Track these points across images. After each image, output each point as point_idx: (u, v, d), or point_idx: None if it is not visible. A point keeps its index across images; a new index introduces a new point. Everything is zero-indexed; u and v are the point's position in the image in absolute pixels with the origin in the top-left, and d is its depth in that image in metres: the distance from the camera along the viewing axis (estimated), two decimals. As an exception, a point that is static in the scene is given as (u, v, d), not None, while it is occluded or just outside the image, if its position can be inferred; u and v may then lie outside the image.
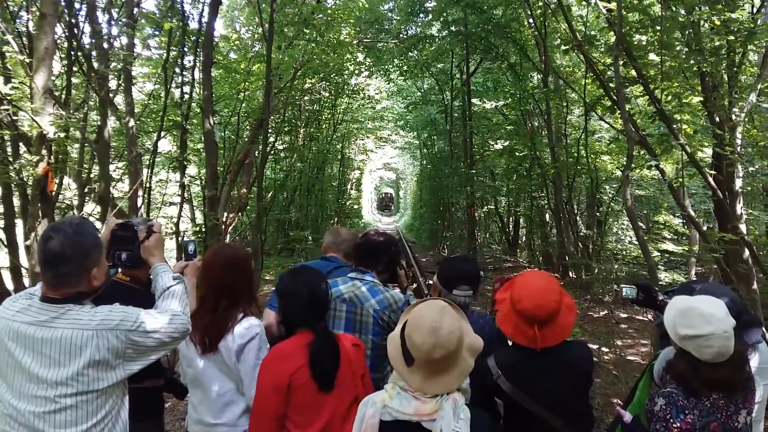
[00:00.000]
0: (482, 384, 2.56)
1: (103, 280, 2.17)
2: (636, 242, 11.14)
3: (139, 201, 8.04)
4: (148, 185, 9.24)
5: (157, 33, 9.89)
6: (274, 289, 2.76)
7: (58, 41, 7.37)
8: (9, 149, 7.12)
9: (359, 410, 2.09)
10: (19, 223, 7.45)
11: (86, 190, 7.83)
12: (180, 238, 10.40)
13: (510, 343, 2.63)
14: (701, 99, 7.71)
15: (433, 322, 1.96)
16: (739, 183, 7.82)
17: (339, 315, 2.90)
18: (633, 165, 8.21)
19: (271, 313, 3.40)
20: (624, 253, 15.09)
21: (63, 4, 6.80)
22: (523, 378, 2.48)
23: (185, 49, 9.57)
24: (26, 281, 6.76)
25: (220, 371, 2.68)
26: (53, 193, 6.16)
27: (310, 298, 2.51)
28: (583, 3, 9.43)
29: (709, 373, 2.13)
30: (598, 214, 15.15)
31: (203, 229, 9.37)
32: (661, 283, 9.13)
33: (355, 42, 16.29)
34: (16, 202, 7.52)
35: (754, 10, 7.86)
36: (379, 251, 3.07)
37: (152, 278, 2.42)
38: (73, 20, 7.26)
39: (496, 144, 17.19)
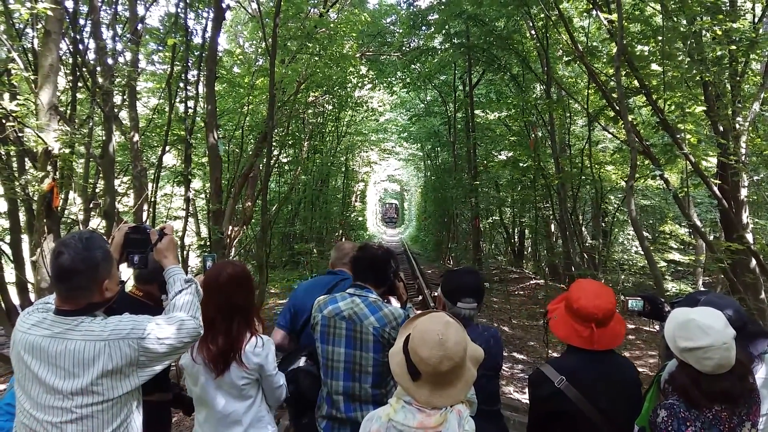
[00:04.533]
0: (539, 396, 2.54)
1: (116, 290, 2.21)
2: (642, 252, 11.10)
3: (144, 215, 8.07)
4: (153, 199, 9.27)
5: (161, 48, 9.97)
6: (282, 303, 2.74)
7: (63, 57, 7.42)
8: (15, 165, 7.14)
9: (363, 426, 2.08)
10: (25, 239, 7.46)
11: (92, 205, 7.84)
12: (186, 252, 10.41)
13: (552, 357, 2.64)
14: (704, 108, 7.71)
15: (439, 335, 1.94)
16: (744, 192, 7.80)
17: (339, 333, 2.87)
18: (637, 175, 8.21)
19: (279, 331, 3.42)
20: (630, 263, 15.05)
21: (68, 20, 6.86)
22: (586, 382, 2.46)
23: (189, 64, 9.62)
24: (32, 296, 6.77)
25: (227, 392, 2.69)
26: (59, 208, 6.17)
27: None
28: (585, 14, 9.46)
29: (710, 385, 2.11)
30: (603, 224, 15.14)
31: (208, 243, 9.37)
32: (667, 293, 9.08)
33: (357, 55, 16.34)
34: (21, 217, 7.54)
35: (756, 20, 7.87)
36: (378, 265, 3.03)
37: (166, 280, 2.43)
38: (77, 36, 7.32)
39: (500, 155, 17.20)
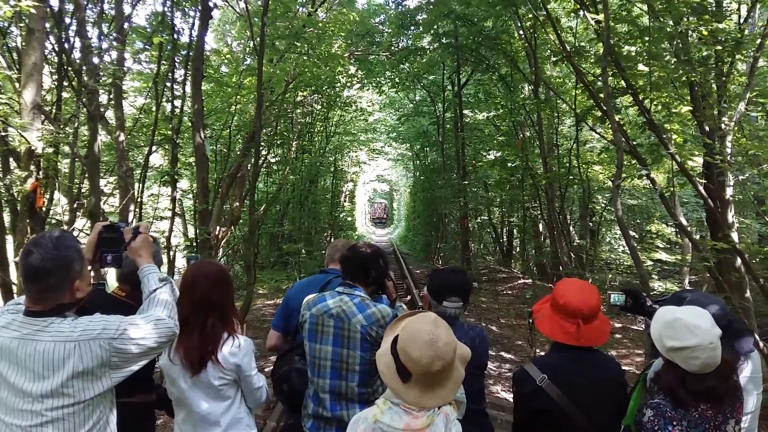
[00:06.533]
0: (522, 394, 2.54)
1: (87, 291, 2.17)
2: (629, 252, 11.15)
3: (131, 216, 7.99)
4: (139, 200, 9.19)
5: (147, 47, 9.88)
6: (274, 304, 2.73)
7: (48, 56, 7.35)
8: (-2, 165, 7.07)
9: (350, 428, 2.06)
10: (9, 239, 7.38)
11: (76, 205, 7.77)
12: (172, 253, 10.33)
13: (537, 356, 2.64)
14: (690, 109, 7.75)
15: (429, 335, 1.92)
16: (729, 192, 7.85)
17: (326, 330, 2.85)
18: (624, 175, 8.24)
19: (275, 334, 3.42)
20: (617, 262, 15.14)
21: (53, 18, 6.78)
22: (568, 381, 2.45)
23: (176, 63, 9.56)
24: (17, 297, 6.69)
25: (204, 392, 2.67)
26: (43, 208, 6.11)
27: None
28: (572, 15, 9.49)
29: (696, 384, 2.12)
30: (590, 223, 15.21)
31: (195, 244, 9.30)
32: (654, 292, 9.13)
33: (346, 54, 16.32)
34: (6, 217, 7.46)
35: (741, 20, 7.92)
36: (367, 264, 3.01)
37: (140, 279, 2.39)
38: (62, 35, 7.24)
39: (489, 155, 17.23)
